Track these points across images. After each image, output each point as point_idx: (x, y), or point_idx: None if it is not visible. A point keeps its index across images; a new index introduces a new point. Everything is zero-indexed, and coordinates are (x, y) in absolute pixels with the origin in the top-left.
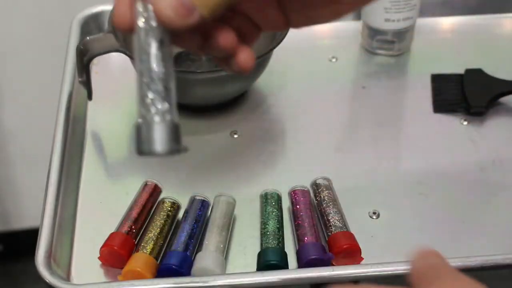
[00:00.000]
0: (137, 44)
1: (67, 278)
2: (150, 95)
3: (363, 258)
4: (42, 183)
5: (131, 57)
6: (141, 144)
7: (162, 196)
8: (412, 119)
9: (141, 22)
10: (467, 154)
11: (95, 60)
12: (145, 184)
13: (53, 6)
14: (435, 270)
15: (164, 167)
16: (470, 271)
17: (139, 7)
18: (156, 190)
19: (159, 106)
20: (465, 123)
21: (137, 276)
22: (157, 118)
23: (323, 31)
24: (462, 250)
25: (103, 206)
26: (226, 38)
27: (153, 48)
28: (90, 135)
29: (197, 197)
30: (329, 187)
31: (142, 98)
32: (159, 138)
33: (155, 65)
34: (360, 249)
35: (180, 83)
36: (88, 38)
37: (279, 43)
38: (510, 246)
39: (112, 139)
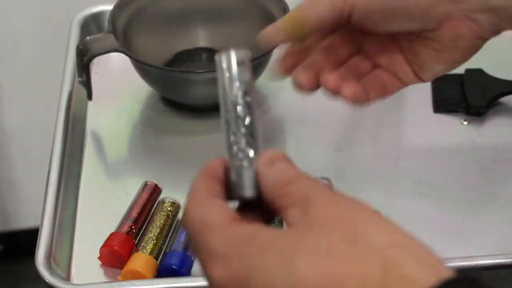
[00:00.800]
0: (221, 93)
1: (67, 278)
2: (238, 143)
3: None
4: (42, 183)
5: (131, 57)
6: (232, 189)
7: (162, 196)
8: (412, 119)
9: (223, 72)
10: (467, 154)
11: (95, 60)
12: (145, 184)
13: (53, 6)
14: (297, 186)
15: (164, 167)
16: (470, 271)
17: (219, 58)
18: (156, 190)
19: (247, 153)
20: (465, 123)
21: (137, 276)
22: (245, 165)
23: None
24: (462, 250)
25: (103, 206)
26: (329, 79)
27: (239, 97)
28: (90, 135)
29: None
30: (329, 187)
31: (230, 146)
32: (248, 184)
33: (241, 114)
34: None
35: (180, 83)
36: (88, 38)
37: None
38: (510, 246)
39: (112, 139)
